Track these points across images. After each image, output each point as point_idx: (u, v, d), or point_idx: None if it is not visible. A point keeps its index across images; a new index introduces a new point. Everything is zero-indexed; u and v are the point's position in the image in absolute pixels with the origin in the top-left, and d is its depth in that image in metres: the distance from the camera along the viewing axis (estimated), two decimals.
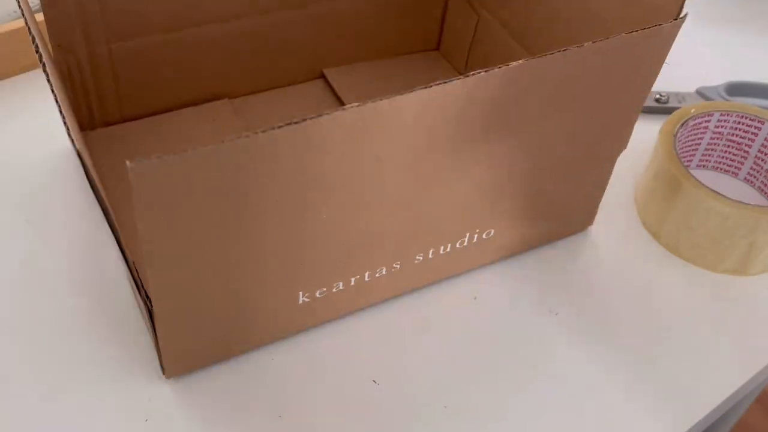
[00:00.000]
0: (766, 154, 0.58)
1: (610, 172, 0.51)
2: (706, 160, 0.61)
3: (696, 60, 0.71)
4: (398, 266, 0.46)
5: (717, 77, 0.69)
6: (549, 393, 0.45)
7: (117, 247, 0.39)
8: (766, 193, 0.59)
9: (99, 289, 0.48)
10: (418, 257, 0.47)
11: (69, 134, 0.43)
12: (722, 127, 0.58)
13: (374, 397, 0.44)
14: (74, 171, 0.55)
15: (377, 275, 0.46)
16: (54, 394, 0.43)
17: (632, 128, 0.48)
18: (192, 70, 0.58)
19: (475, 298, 0.50)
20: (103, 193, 0.41)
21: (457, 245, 0.48)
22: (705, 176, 0.61)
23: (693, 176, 0.52)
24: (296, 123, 0.33)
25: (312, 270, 0.42)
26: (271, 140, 0.33)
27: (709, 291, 0.52)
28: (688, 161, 0.60)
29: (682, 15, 0.42)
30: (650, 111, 0.65)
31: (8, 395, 0.43)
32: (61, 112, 0.41)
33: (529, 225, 0.50)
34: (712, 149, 0.60)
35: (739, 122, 0.58)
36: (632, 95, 0.46)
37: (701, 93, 0.67)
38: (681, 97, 0.66)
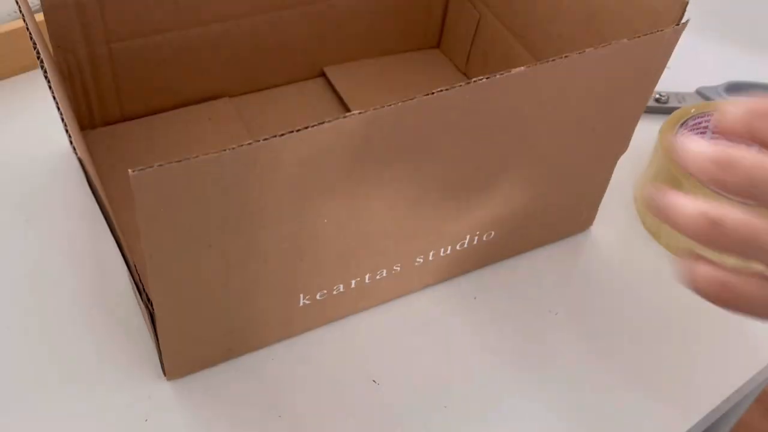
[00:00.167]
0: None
1: (610, 174, 0.51)
2: None
3: (696, 60, 0.71)
4: (399, 268, 0.46)
5: (717, 77, 0.69)
6: (549, 393, 0.46)
7: (117, 247, 0.39)
8: None
9: (99, 289, 0.48)
10: (418, 259, 0.47)
11: (69, 138, 0.43)
12: None
13: (374, 397, 0.44)
14: (74, 171, 0.55)
15: (378, 277, 0.46)
16: (54, 394, 0.43)
17: (633, 132, 0.48)
18: (192, 69, 0.58)
19: (475, 298, 0.50)
20: (103, 196, 0.41)
21: (458, 247, 0.48)
22: None
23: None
24: (299, 131, 0.33)
25: (312, 273, 0.42)
26: (274, 148, 0.33)
27: None
28: None
29: (683, 21, 0.42)
30: (650, 111, 0.65)
31: (8, 395, 0.43)
32: (60, 112, 0.41)
33: (530, 226, 0.51)
34: None
35: None
36: (633, 100, 0.46)
37: (701, 93, 0.67)
38: (681, 96, 0.66)
